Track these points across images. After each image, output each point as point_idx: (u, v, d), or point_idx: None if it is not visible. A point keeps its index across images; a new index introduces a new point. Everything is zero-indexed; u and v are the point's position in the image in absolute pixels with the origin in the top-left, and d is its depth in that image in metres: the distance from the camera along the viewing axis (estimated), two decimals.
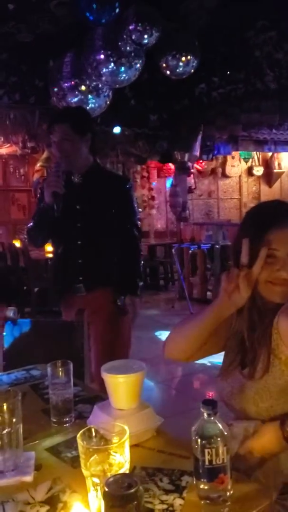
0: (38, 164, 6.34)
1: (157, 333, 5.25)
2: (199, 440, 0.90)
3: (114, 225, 2.15)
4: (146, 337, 5.12)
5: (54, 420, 1.23)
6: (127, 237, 2.19)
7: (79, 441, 0.86)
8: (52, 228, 2.11)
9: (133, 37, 3.59)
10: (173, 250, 6.74)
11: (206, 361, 3.47)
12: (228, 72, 5.20)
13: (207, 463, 0.89)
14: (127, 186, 2.25)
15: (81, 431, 0.88)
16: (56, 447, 1.12)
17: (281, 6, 4.21)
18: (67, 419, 1.22)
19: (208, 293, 6.57)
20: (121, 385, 1.10)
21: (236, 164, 9.56)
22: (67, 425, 1.21)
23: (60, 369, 1.23)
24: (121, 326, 2.18)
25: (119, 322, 2.17)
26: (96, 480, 0.83)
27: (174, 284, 7.57)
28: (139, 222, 2.25)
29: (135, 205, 2.27)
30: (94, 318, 2.08)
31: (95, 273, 2.13)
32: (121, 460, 0.86)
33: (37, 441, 1.14)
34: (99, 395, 1.35)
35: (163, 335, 5.19)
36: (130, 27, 3.56)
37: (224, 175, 9.57)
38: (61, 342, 1.78)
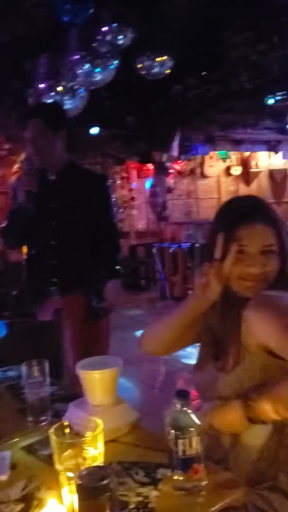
0: (16, 166, 6.29)
1: (139, 333, 5.25)
2: (172, 431, 0.91)
3: (90, 224, 2.08)
4: (128, 337, 5.12)
5: (31, 419, 1.23)
6: (105, 236, 2.12)
7: (52, 436, 0.86)
8: (27, 228, 2.05)
9: (108, 38, 3.59)
10: (153, 250, 6.76)
11: (187, 360, 3.49)
12: (204, 73, 5.23)
13: (180, 453, 0.91)
14: (105, 184, 2.19)
15: (54, 426, 0.89)
16: (32, 446, 1.12)
17: (258, 7, 4.26)
18: (43, 418, 1.22)
19: (190, 291, 6.59)
20: (96, 381, 1.10)
21: (214, 164, 9.64)
22: (44, 424, 1.21)
23: (35, 368, 1.23)
24: (98, 327, 2.13)
25: (97, 323, 2.12)
26: (70, 474, 0.84)
27: (155, 284, 7.59)
28: (117, 221, 2.20)
29: (113, 203, 2.21)
30: (70, 321, 2.03)
31: (70, 275, 2.06)
32: (95, 453, 0.86)
33: (13, 441, 1.14)
34: (77, 394, 1.35)
35: None
36: (105, 28, 3.57)
37: (203, 175, 9.64)
38: (38, 343, 1.77)
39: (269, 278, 1.11)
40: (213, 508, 0.88)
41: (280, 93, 5.38)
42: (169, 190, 8.17)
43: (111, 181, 8.07)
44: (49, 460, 1.04)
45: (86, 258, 2.09)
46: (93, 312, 2.09)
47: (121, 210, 8.57)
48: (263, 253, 1.10)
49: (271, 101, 5.43)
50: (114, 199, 2.27)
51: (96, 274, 2.08)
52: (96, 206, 2.10)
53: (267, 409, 0.97)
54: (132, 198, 8.82)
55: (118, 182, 8.23)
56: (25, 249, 2.20)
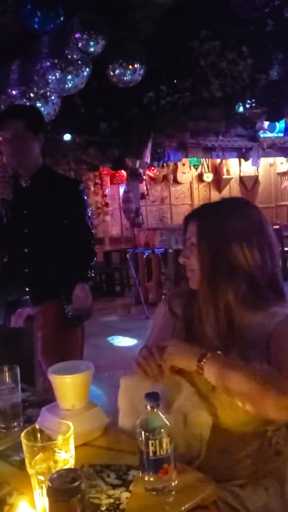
0: None
1: (113, 339, 5.26)
2: (143, 432, 0.92)
3: (64, 231, 2.04)
4: (103, 343, 5.11)
5: (2, 425, 1.22)
6: (78, 242, 2.06)
7: (23, 440, 0.87)
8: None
9: (79, 45, 3.61)
10: (127, 256, 6.78)
11: None
12: (175, 81, 5.31)
13: (151, 454, 0.92)
14: (79, 188, 2.13)
15: (25, 430, 0.89)
16: (4, 451, 1.11)
17: (223, 17, 4.36)
18: (15, 423, 1.22)
19: (163, 296, 6.64)
20: (68, 386, 1.11)
21: (187, 171, 9.76)
22: (16, 429, 1.21)
23: (6, 374, 1.23)
24: (71, 336, 2.09)
25: (70, 332, 2.07)
26: (42, 478, 0.84)
27: (130, 290, 7.61)
28: (91, 226, 2.12)
29: (88, 209, 2.14)
30: (43, 332, 1.99)
31: (43, 284, 2.01)
32: (66, 457, 0.87)
33: None
34: (49, 399, 1.35)
35: (120, 340, 5.20)
36: (76, 35, 3.58)
37: (176, 182, 9.75)
38: (10, 349, 1.76)
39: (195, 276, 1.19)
40: (183, 507, 0.90)
41: (250, 101, 5.50)
42: (143, 196, 8.22)
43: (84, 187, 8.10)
44: (21, 465, 1.04)
45: (59, 266, 2.03)
46: (67, 320, 2.05)
47: (94, 217, 8.57)
48: (185, 248, 1.23)
49: (241, 109, 5.54)
50: (89, 205, 2.18)
51: (69, 282, 2.01)
52: (70, 212, 2.05)
53: (213, 380, 1.02)
54: (106, 204, 8.84)
55: (92, 188, 8.23)
56: None
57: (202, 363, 1.03)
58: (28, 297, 2.01)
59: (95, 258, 2.17)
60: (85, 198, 2.15)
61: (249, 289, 1.13)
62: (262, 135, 7.92)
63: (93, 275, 2.07)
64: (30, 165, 2.03)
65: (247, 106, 5.44)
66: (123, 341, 5.18)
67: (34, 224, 2.01)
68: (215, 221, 1.18)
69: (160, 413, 0.94)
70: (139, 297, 6.40)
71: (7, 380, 1.22)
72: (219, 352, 1.05)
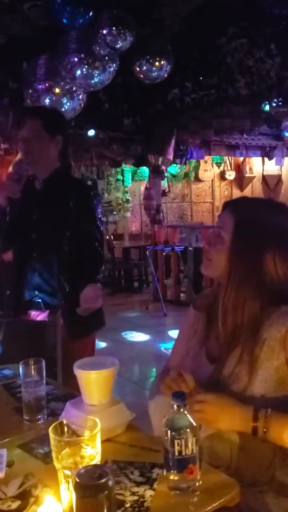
0: (11, 167, 6.27)
1: (131, 335, 5.28)
2: (169, 431, 0.92)
3: (73, 237, 1.97)
4: (120, 338, 5.14)
5: (27, 418, 1.23)
6: (86, 248, 1.98)
7: (51, 434, 0.87)
8: (6, 234, 1.97)
9: (107, 40, 3.60)
10: (147, 252, 6.79)
11: None
12: (201, 78, 5.27)
13: (176, 454, 0.92)
14: (89, 195, 2.07)
15: (53, 425, 0.90)
16: (29, 444, 1.12)
17: (251, 14, 4.31)
18: (39, 416, 1.23)
19: (182, 294, 6.64)
20: (93, 381, 1.11)
21: (209, 169, 9.70)
22: (40, 422, 1.22)
23: (32, 367, 1.24)
24: (80, 346, 1.98)
25: (78, 342, 1.97)
26: (68, 472, 0.85)
27: (148, 286, 7.62)
28: (101, 232, 2.05)
29: (98, 213, 2.05)
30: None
31: (52, 290, 1.97)
32: (92, 452, 0.88)
33: (9, 439, 1.15)
34: (72, 393, 1.36)
35: (138, 336, 5.22)
36: (104, 31, 3.58)
37: (197, 179, 9.69)
38: (33, 342, 1.78)
39: (214, 264, 1.17)
40: (207, 508, 0.89)
41: (276, 100, 5.43)
42: (164, 193, 8.20)
43: (105, 183, 8.10)
44: (45, 458, 1.05)
45: (67, 272, 1.96)
46: (75, 330, 1.96)
47: (115, 213, 8.59)
48: (213, 233, 1.19)
49: (267, 108, 5.48)
50: (99, 210, 2.09)
51: (78, 286, 1.91)
52: (79, 220, 1.99)
53: (280, 440, 1.00)
54: (127, 201, 8.85)
55: (113, 184, 8.24)
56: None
57: (258, 423, 1.00)
58: (40, 300, 1.98)
59: (103, 262, 2.16)
60: (95, 203, 2.07)
61: (270, 300, 1.11)
62: (287, 134, 7.81)
63: (100, 277, 2.01)
64: (45, 167, 1.99)
65: (273, 104, 5.37)
66: (140, 337, 5.19)
67: (42, 230, 1.97)
68: (254, 225, 1.14)
69: (186, 413, 0.94)
70: (158, 294, 6.41)
71: (33, 373, 1.24)
72: (269, 410, 1.01)
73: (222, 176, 9.95)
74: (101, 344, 4.83)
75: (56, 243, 1.97)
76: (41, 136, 1.95)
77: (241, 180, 10.04)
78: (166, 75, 4.24)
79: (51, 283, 1.97)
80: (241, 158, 9.57)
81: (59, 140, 2.01)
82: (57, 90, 4.13)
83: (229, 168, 9.90)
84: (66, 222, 1.98)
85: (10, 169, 1.96)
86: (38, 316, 2.00)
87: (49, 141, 1.98)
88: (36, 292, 1.98)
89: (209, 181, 9.90)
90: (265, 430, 1.00)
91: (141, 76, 4.17)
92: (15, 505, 0.90)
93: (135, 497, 0.92)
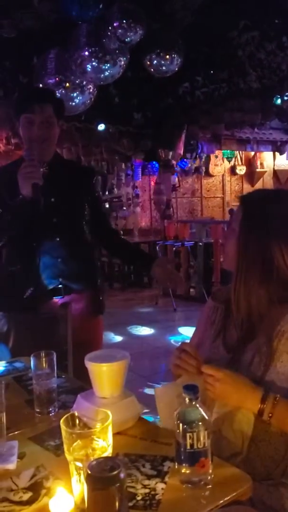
0: (24, 154, 6.25)
1: (141, 329, 5.28)
2: (181, 424, 0.92)
3: (88, 217, 2.00)
4: (130, 333, 5.15)
5: (38, 410, 1.24)
6: (109, 228, 2.12)
7: (62, 426, 0.87)
8: (26, 225, 1.87)
9: (118, 34, 3.58)
10: (157, 248, 6.78)
11: None
12: (212, 72, 5.23)
13: (188, 447, 0.92)
14: (95, 177, 2.16)
15: (64, 417, 0.90)
16: (40, 436, 1.13)
17: (263, 7, 4.26)
18: (50, 409, 1.23)
19: (191, 290, 6.63)
20: (104, 374, 1.11)
21: (219, 163, 9.65)
22: (51, 414, 1.22)
23: (43, 359, 1.24)
24: (97, 326, 2.08)
25: (96, 322, 2.07)
26: (79, 464, 0.85)
27: (157, 281, 7.59)
28: (108, 215, 2.16)
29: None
30: (74, 321, 1.95)
31: (76, 273, 1.96)
32: (104, 445, 0.87)
33: (20, 431, 1.15)
34: (83, 386, 1.36)
35: (147, 331, 5.22)
36: (115, 24, 3.56)
37: (208, 174, 9.65)
38: (44, 335, 1.78)
39: (227, 256, 1.22)
40: (219, 502, 0.89)
41: None
42: (174, 188, 8.18)
43: (116, 178, 8.07)
44: (56, 450, 1.05)
45: (89, 254, 2.04)
46: (99, 309, 2.07)
47: (124, 208, 8.58)
48: (229, 228, 1.25)
49: (279, 101, 5.43)
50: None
51: (138, 257, 2.14)
52: (90, 200, 2.03)
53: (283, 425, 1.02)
54: (137, 196, 8.83)
55: (123, 179, 8.23)
56: None
57: (265, 405, 1.03)
58: (61, 286, 1.96)
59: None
60: (99, 188, 2.14)
61: (281, 289, 1.13)
62: None
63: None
64: (49, 153, 1.97)
65: (285, 98, 5.32)
66: (150, 332, 5.20)
67: (63, 213, 1.94)
68: (261, 216, 1.16)
69: (198, 406, 0.94)
70: (167, 289, 6.40)
71: (44, 365, 1.24)
72: (278, 396, 1.04)
73: (232, 170, 9.89)
74: (110, 339, 4.84)
75: (76, 225, 1.98)
76: (53, 121, 1.92)
77: (252, 174, 9.98)
78: (176, 69, 4.21)
79: (74, 267, 1.95)
80: (252, 153, 9.51)
81: (61, 124, 2.02)
82: (67, 85, 4.12)
83: (240, 162, 9.84)
84: (83, 203, 2.00)
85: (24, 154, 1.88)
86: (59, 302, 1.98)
87: (56, 127, 1.96)
88: (60, 279, 1.94)
89: (220, 176, 9.85)
90: (270, 414, 1.03)
91: (152, 70, 4.15)
92: (26, 496, 0.90)
93: (147, 490, 0.92)
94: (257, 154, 9.61)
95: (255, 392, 1.04)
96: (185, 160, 7.98)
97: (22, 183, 1.76)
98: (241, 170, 9.85)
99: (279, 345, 1.09)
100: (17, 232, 1.87)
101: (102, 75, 3.83)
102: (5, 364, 1.59)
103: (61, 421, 0.89)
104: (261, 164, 9.94)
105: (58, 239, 1.93)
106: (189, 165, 8.96)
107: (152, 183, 8.26)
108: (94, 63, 3.75)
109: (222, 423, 1.09)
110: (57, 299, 1.98)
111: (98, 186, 2.14)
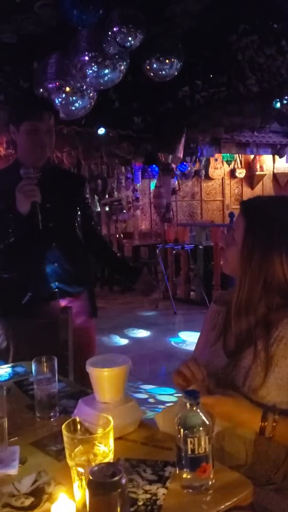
0: (21, 171, 6.27)
1: (141, 333, 5.28)
2: (181, 430, 0.92)
3: (83, 225, 2.05)
4: (130, 336, 5.15)
5: (39, 415, 1.24)
6: (99, 236, 2.18)
7: (64, 431, 0.88)
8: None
9: (117, 39, 3.60)
10: (157, 251, 6.78)
11: None
12: (211, 76, 5.24)
13: (189, 452, 0.92)
14: (85, 184, 2.22)
15: (66, 422, 0.90)
16: (41, 441, 1.13)
17: (262, 11, 4.28)
18: (51, 414, 1.24)
19: (192, 293, 6.63)
20: (105, 379, 1.11)
21: (219, 167, 9.66)
22: (52, 419, 1.23)
23: (44, 364, 1.24)
24: (91, 329, 2.12)
25: (89, 325, 2.08)
26: (81, 470, 0.85)
27: (158, 284, 7.61)
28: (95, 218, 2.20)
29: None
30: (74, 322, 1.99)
31: (72, 277, 1.98)
32: (105, 450, 0.88)
33: (21, 436, 1.15)
34: (84, 390, 1.37)
35: (147, 334, 5.22)
36: (114, 29, 3.57)
37: (207, 177, 9.66)
38: (44, 340, 1.79)
39: (229, 263, 1.22)
40: (220, 507, 0.89)
41: (287, 97, 5.39)
42: (174, 191, 8.19)
43: (116, 181, 8.09)
44: (57, 455, 1.05)
45: (84, 258, 2.07)
46: (94, 308, 2.11)
47: (124, 211, 8.58)
48: (230, 234, 1.25)
49: (278, 105, 5.44)
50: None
51: (124, 268, 2.22)
52: (82, 206, 2.07)
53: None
54: (136, 199, 8.84)
55: (123, 183, 8.25)
56: None
57: (266, 424, 1.04)
58: (56, 290, 1.97)
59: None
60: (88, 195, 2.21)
61: (279, 296, 1.15)
62: None
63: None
64: (45, 158, 1.97)
65: (284, 102, 5.33)
66: (150, 335, 5.20)
67: (58, 217, 1.95)
68: (264, 227, 1.16)
69: (199, 411, 0.94)
70: (167, 292, 6.41)
71: (45, 370, 1.24)
72: (276, 416, 1.05)
73: (232, 174, 9.90)
74: (111, 342, 4.84)
75: (71, 230, 2.01)
76: (53, 129, 1.94)
77: (251, 178, 9.99)
78: (176, 73, 4.22)
79: (71, 271, 1.97)
80: (252, 156, 9.52)
81: (61, 128, 2.06)
82: (67, 89, 4.14)
83: (239, 166, 9.86)
84: (75, 207, 2.03)
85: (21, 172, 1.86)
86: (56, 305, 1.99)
87: (53, 133, 1.97)
88: (56, 283, 1.95)
89: (219, 179, 9.86)
90: (271, 435, 1.04)
91: (151, 74, 4.16)
92: (28, 501, 0.90)
93: (148, 495, 0.92)
94: (257, 157, 9.63)
95: (254, 412, 1.05)
96: (184, 163, 8.00)
97: (21, 201, 1.77)
98: (241, 173, 9.86)
99: (277, 350, 1.09)
100: (14, 239, 1.86)
101: (102, 79, 3.85)
102: (6, 369, 1.59)
103: (63, 426, 0.89)
104: (261, 167, 9.96)
105: (54, 244, 1.95)
106: (189, 168, 8.97)
107: (152, 187, 8.27)
108: (94, 68, 3.76)
109: (222, 438, 1.10)
110: (57, 303, 1.99)
111: (87, 195, 2.17)
